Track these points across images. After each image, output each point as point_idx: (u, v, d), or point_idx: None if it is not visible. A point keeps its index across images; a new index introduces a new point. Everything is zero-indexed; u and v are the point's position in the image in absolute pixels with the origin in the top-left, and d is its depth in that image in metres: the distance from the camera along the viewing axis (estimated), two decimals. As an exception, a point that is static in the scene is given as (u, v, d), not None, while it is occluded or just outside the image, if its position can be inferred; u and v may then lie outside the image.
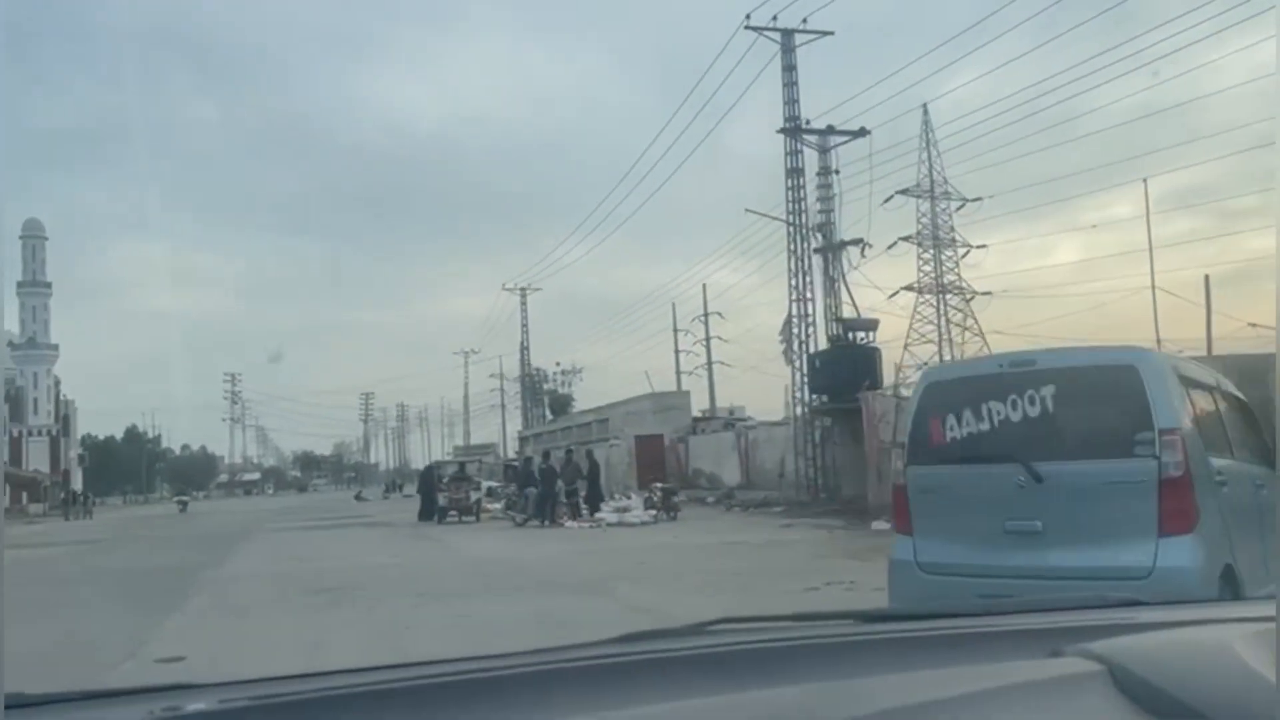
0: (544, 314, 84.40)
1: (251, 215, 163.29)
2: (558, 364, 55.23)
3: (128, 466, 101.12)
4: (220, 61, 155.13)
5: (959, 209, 72.17)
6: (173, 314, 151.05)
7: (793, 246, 25.87)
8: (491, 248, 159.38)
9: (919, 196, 73.33)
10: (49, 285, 79.51)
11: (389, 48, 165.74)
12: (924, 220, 73.90)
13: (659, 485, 23.33)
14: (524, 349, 59.34)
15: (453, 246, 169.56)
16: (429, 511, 28.12)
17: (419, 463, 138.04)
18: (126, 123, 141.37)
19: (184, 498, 55.01)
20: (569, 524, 21.80)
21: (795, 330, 25.98)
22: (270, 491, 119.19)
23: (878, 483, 17.52)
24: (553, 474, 22.70)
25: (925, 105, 70.83)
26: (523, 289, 59.69)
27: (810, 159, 25.55)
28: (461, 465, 27.69)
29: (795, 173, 25.79)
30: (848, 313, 25.23)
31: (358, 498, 61.73)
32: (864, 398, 18.10)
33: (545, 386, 55.19)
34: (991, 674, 1.15)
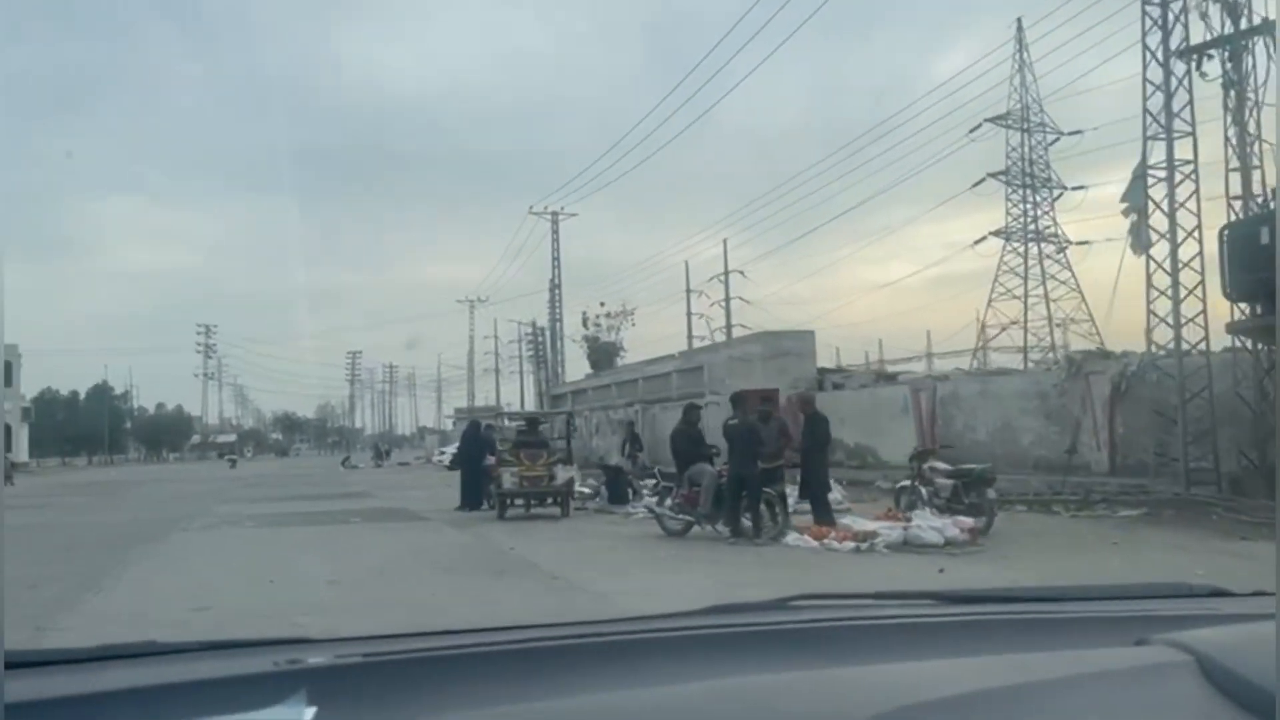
0: (537, 280, 78.42)
1: (231, 174, 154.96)
2: (602, 304, 44.02)
3: (89, 426, 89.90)
4: (201, 17, 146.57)
5: (1053, 143, 62.02)
6: (151, 271, 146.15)
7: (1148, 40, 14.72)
8: (472, 213, 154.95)
9: (1009, 127, 63.04)
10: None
11: (371, 8, 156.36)
12: (1014, 155, 63.58)
13: (943, 467, 12.08)
14: (554, 287, 47.96)
15: (433, 210, 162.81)
16: (475, 496, 17.10)
17: (406, 428, 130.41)
18: (106, 78, 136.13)
19: (234, 456, 52.24)
20: (795, 540, 10.78)
21: (1159, 184, 14.76)
22: (249, 455, 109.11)
23: None
24: (753, 440, 11.51)
25: (1019, 19, 60.63)
26: (554, 213, 48.26)
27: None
28: (532, 422, 16.62)
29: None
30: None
31: (345, 464, 53.08)
32: None
33: (584, 334, 44.00)
34: (1076, 660, 1.13)
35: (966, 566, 9.27)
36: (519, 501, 15.59)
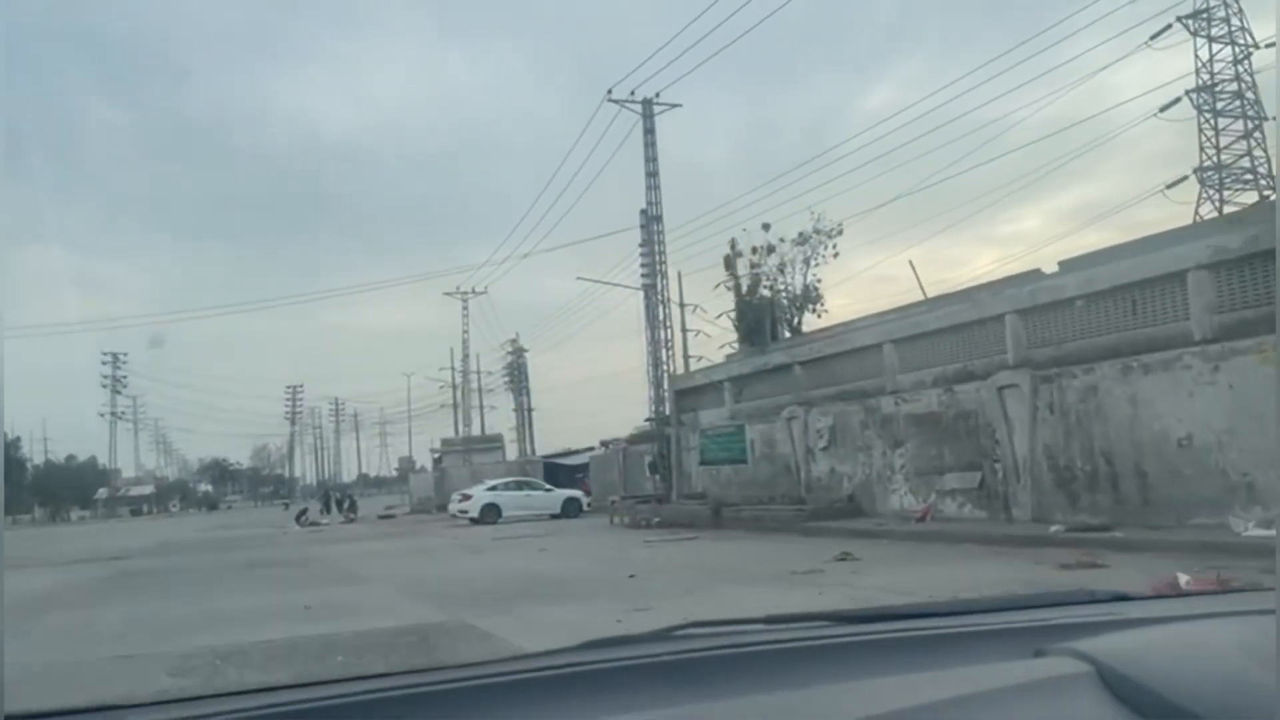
0: (484, 320, 71.79)
1: (157, 222, 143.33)
2: (766, 227, 25.33)
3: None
4: (121, 61, 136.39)
5: (1246, 57, 46.87)
6: (73, 322, 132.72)
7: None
8: (409, 255, 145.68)
9: (1198, 34, 46.73)
10: None
11: (298, 51, 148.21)
12: (1205, 70, 47.59)
13: None
14: (652, 218, 28.79)
15: (368, 253, 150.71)
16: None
17: (351, 474, 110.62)
18: (18, 124, 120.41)
19: (304, 507, 46.10)
20: None
21: None
22: (175, 509, 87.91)
23: None
24: None
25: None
26: (647, 100, 29.23)
27: None
28: None
29: None
30: None
31: (301, 520, 37.50)
32: None
33: (732, 281, 25.23)
34: (975, 676, 1.09)
35: None
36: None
